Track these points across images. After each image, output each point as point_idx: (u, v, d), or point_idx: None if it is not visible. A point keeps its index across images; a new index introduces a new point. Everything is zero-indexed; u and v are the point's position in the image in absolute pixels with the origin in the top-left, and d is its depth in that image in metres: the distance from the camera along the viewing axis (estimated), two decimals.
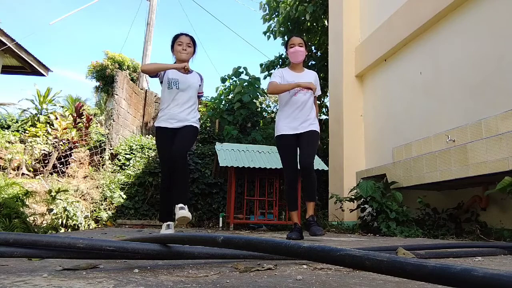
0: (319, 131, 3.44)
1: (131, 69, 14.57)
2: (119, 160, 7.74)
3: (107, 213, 6.71)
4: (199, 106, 3.72)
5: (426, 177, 4.21)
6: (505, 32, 3.88)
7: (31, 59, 8.21)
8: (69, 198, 6.23)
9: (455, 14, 4.60)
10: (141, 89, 11.16)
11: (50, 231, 5.47)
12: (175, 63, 3.49)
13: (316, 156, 4.38)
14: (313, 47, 9.79)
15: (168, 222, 3.25)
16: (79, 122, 9.23)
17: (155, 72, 3.31)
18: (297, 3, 8.81)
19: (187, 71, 3.32)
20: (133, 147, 7.90)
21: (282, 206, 6.20)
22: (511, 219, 3.78)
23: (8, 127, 10.73)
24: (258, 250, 0.97)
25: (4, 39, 7.36)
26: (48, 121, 9.82)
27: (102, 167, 7.73)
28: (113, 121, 8.38)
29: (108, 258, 1.30)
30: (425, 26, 4.99)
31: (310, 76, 3.47)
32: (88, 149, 8.17)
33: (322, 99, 9.38)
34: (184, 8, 56.08)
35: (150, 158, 7.65)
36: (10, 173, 7.11)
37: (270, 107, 11.59)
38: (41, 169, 7.61)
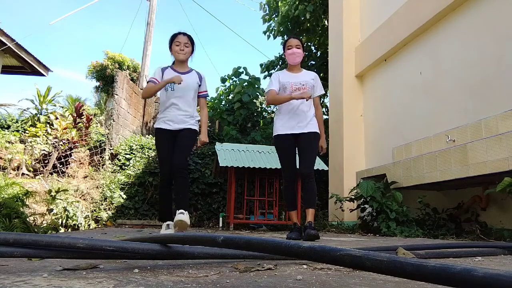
0: (318, 131, 3.42)
1: (131, 69, 14.57)
2: (119, 160, 7.74)
3: (107, 213, 6.71)
4: (207, 106, 3.71)
5: (426, 177, 4.21)
6: (505, 32, 3.88)
7: (31, 59, 8.21)
8: (69, 198, 6.23)
9: (455, 14, 4.60)
10: (141, 89, 11.16)
11: (50, 231, 5.46)
12: (173, 63, 3.50)
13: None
14: (313, 47, 9.79)
15: (168, 222, 3.25)
16: (79, 122, 9.23)
17: (155, 93, 3.42)
18: (296, 2, 8.81)
19: (178, 82, 3.21)
20: (133, 147, 7.90)
21: (282, 206, 6.20)
22: (511, 219, 3.78)
23: (8, 127, 10.73)
24: (258, 250, 0.97)
25: (4, 39, 7.36)
26: (48, 121, 9.82)
27: (102, 167, 7.73)
28: (113, 121, 8.38)
29: (108, 258, 1.30)
30: (425, 26, 4.99)
31: (306, 76, 3.46)
32: (88, 149, 8.17)
33: (322, 99, 9.38)
34: (184, 8, 56.11)
35: (150, 158, 7.65)
36: (10, 173, 7.11)
37: (270, 107, 11.57)
38: (41, 169, 7.61)
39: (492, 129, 3.60)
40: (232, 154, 5.86)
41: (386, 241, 3.28)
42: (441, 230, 4.21)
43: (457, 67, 4.49)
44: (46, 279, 0.97)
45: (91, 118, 9.62)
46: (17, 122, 11.14)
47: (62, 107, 13.04)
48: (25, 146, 8.02)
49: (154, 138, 3.43)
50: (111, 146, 8.04)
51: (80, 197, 6.80)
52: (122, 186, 7.13)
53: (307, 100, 3.25)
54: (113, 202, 6.87)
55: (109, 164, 7.79)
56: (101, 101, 15.31)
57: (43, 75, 8.91)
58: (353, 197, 5.02)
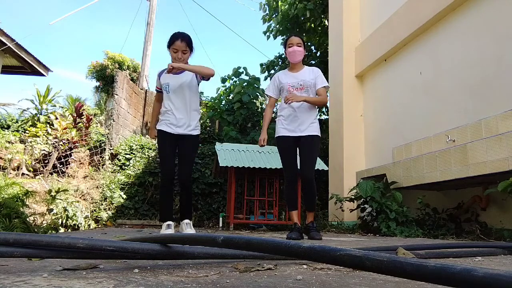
0: (319, 134, 3.42)
1: (131, 69, 14.57)
2: (119, 160, 7.74)
3: (107, 213, 6.71)
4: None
5: (426, 177, 4.21)
6: (505, 32, 3.88)
7: (31, 59, 8.21)
8: (69, 198, 6.23)
9: (455, 14, 4.60)
10: (141, 89, 11.17)
11: (50, 231, 5.47)
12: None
13: None
14: (313, 47, 9.79)
15: (168, 222, 3.25)
16: (79, 122, 9.23)
17: (159, 110, 3.48)
18: (296, 2, 8.80)
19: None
20: (133, 147, 7.90)
21: (282, 206, 6.20)
22: (511, 219, 3.77)
23: (8, 127, 10.74)
24: (258, 250, 0.97)
25: (4, 39, 7.36)
26: (48, 121, 9.82)
27: (102, 167, 7.73)
28: (113, 121, 8.38)
29: (108, 258, 1.30)
30: (425, 26, 4.99)
31: (306, 74, 3.44)
32: (88, 149, 8.17)
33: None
34: (184, 8, 56.11)
35: (150, 158, 7.65)
36: (10, 173, 7.11)
37: None
38: (41, 169, 7.61)
39: (492, 129, 3.60)
40: (232, 154, 5.86)
41: (386, 241, 3.28)
42: (441, 230, 4.21)
43: (457, 67, 4.49)
44: (46, 279, 0.97)
45: (91, 118, 9.62)
46: (17, 122, 11.14)
47: (62, 107, 13.04)
48: (25, 146, 8.02)
49: (157, 138, 3.42)
50: (111, 146, 8.04)
51: (80, 197, 6.80)
52: (122, 186, 7.13)
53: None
54: (113, 202, 6.87)
55: (109, 164, 7.79)
56: (101, 101, 15.31)
57: (43, 75, 8.91)
58: (353, 197, 5.02)
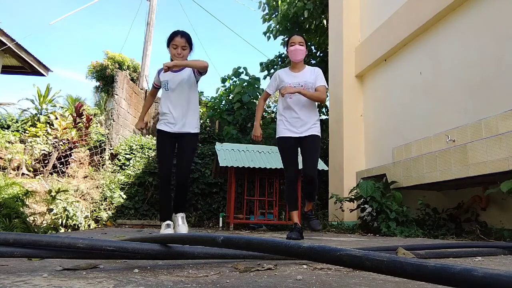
0: (320, 135, 3.42)
1: (131, 69, 14.57)
2: (119, 160, 7.74)
3: (107, 213, 6.71)
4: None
5: (426, 177, 4.21)
6: (505, 32, 3.88)
7: (31, 59, 8.21)
8: (69, 198, 6.23)
9: (455, 14, 4.60)
10: (141, 89, 11.16)
11: (50, 231, 5.46)
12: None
13: None
14: (313, 47, 9.79)
15: (168, 222, 3.24)
16: (79, 122, 9.22)
17: (151, 105, 3.57)
18: (296, 1, 8.80)
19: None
20: (133, 147, 7.90)
21: (282, 206, 6.20)
22: (511, 219, 3.78)
23: (8, 127, 10.73)
24: (258, 250, 0.97)
25: (4, 39, 7.36)
26: (48, 121, 9.81)
27: (102, 167, 7.73)
28: (113, 121, 8.38)
29: (108, 258, 1.30)
30: (425, 26, 4.99)
31: (307, 74, 3.43)
32: (88, 149, 8.17)
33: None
34: (184, 8, 56.11)
35: (150, 158, 7.65)
36: (10, 173, 7.11)
37: (270, 107, 11.58)
38: (41, 169, 7.61)
39: (492, 129, 3.60)
40: (232, 154, 5.86)
41: (386, 241, 3.28)
42: (441, 230, 4.21)
43: (457, 67, 4.49)
44: (46, 279, 0.97)
45: (91, 118, 9.62)
46: (17, 122, 11.14)
47: (62, 107, 13.04)
48: (25, 146, 8.02)
49: (156, 138, 3.42)
50: (111, 146, 8.04)
51: (80, 197, 6.80)
52: (122, 186, 7.13)
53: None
54: (113, 202, 6.87)
55: (109, 164, 7.79)
56: (101, 101, 15.31)
57: (43, 75, 8.91)
58: (353, 197, 5.02)
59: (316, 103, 3.49)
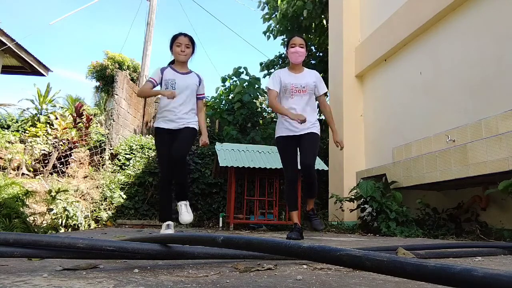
0: (319, 134, 3.42)
1: (131, 69, 14.57)
2: (119, 160, 7.74)
3: (107, 213, 6.71)
4: (204, 108, 3.74)
5: (426, 177, 4.21)
6: (505, 32, 3.88)
7: (31, 59, 8.21)
8: (69, 198, 6.23)
9: (455, 14, 4.60)
10: None
11: (50, 231, 5.47)
12: (173, 62, 3.50)
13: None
14: (313, 47, 9.79)
15: (168, 222, 3.25)
16: (79, 122, 9.22)
17: (149, 97, 3.46)
18: (295, 0, 8.79)
19: (172, 97, 3.21)
20: (133, 147, 7.90)
21: (282, 206, 6.20)
22: (511, 219, 3.77)
23: (8, 127, 10.73)
24: (258, 250, 0.97)
25: (4, 39, 7.36)
26: (48, 121, 9.81)
27: (102, 167, 7.73)
28: (113, 121, 8.38)
29: (108, 258, 1.30)
30: (425, 26, 4.99)
31: (307, 77, 3.44)
32: (88, 149, 8.17)
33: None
34: (184, 8, 56.02)
35: (150, 158, 7.65)
36: (10, 173, 7.11)
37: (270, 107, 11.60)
38: (41, 169, 7.61)
39: (492, 129, 3.60)
40: (232, 154, 5.86)
41: (386, 241, 3.28)
42: (441, 230, 4.21)
43: (457, 67, 4.49)
44: (46, 279, 0.97)
45: (91, 118, 9.62)
46: (17, 122, 11.13)
47: (62, 107, 13.03)
48: (25, 146, 8.02)
49: (154, 137, 3.44)
50: (111, 146, 8.04)
51: (80, 197, 6.80)
52: (122, 186, 7.13)
53: (300, 123, 3.19)
54: (113, 202, 6.87)
55: (109, 164, 7.79)
56: (101, 101, 15.31)
57: (43, 75, 8.91)
58: (353, 197, 5.02)
59: (316, 103, 3.52)
